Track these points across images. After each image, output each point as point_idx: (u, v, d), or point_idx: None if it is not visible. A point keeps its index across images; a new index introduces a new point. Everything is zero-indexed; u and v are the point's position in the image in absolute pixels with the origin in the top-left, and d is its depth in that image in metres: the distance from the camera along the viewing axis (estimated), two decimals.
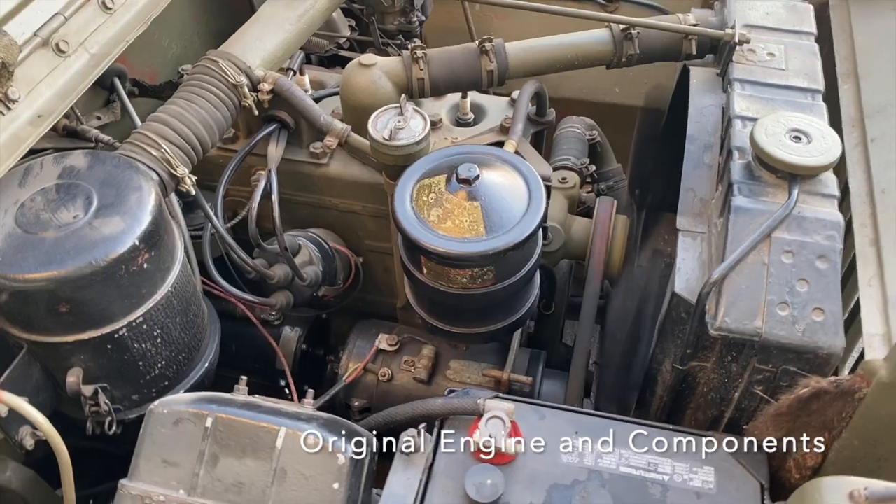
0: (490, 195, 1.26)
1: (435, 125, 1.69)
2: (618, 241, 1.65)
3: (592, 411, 1.30)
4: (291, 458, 1.15)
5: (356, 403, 1.62)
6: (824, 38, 1.60)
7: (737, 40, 1.43)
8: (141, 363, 1.30)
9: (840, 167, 1.31)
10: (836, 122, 1.41)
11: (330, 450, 1.15)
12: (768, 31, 1.52)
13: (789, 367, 1.16)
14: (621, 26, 1.53)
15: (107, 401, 1.30)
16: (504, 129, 1.62)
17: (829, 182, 1.23)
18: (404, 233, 1.25)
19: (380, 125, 1.40)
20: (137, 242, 1.19)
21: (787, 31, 1.52)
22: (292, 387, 1.64)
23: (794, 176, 1.21)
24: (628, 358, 1.71)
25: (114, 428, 1.32)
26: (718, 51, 1.54)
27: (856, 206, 1.27)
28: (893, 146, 1.32)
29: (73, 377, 1.25)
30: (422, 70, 1.51)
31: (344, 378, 1.60)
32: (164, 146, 1.33)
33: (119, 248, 1.17)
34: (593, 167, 1.87)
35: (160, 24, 1.69)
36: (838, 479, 0.89)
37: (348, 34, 2.05)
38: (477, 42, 1.52)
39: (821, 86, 1.41)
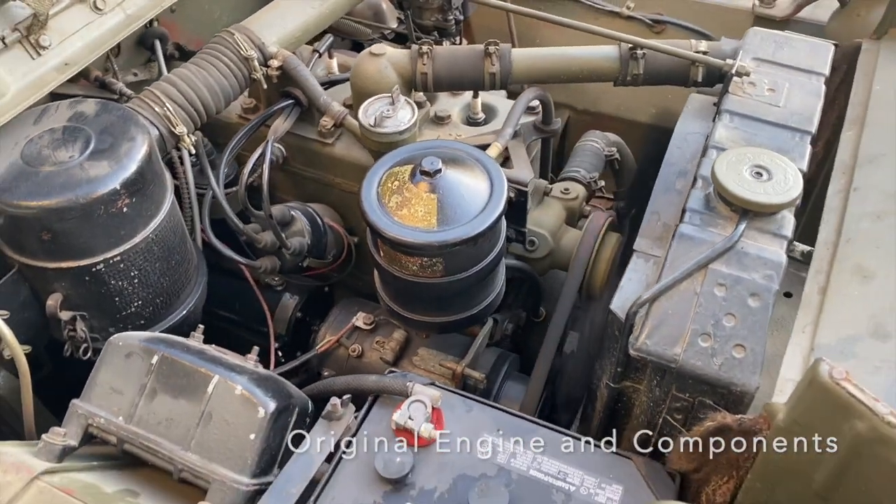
0: (448, 190, 1.31)
1: (443, 120, 1.74)
2: (603, 256, 1.65)
3: (523, 414, 1.32)
4: (219, 403, 1.23)
5: (325, 373, 1.70)
6: (849, 83, 1.56)
7: (734, 71, 1.41)
8: (117, 299, 1.42)
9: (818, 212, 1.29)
10: (832, 166, 1.38)
11: (253, 402, 1.22)
12: (778, 66, 1.50)
13: (705, 399, 1.15)
14: (629, 45, 1.54)
15: (84, 328, 1.42)
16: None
17: (785, 223, 1.21)
18: (363, 214, 1.31)
19: (370, 112, 1.47)
20: (118, 187, 1.30)
21: (797, 68, 1.49)
22: (271, 346, 1.74)
23: (745, 211, 1.20)
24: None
25: (89, 354, 1.44)
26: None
27: (818, 253, 1.25)
28: (872, 198, 1.28)
29: (52, 301, 1.38)
30: (425, 65, 1.57)
31: (317, 348, 1.68)
32: (167, 105, 1.44)
33: (100, 189, 1.29)
34: (602, 182, 1.87)
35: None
36: None
37: (395, 26, 2.13)
38: (483, 45, 1.57)
39: (811, 128, 1.38)
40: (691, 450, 1.16)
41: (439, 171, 1.31)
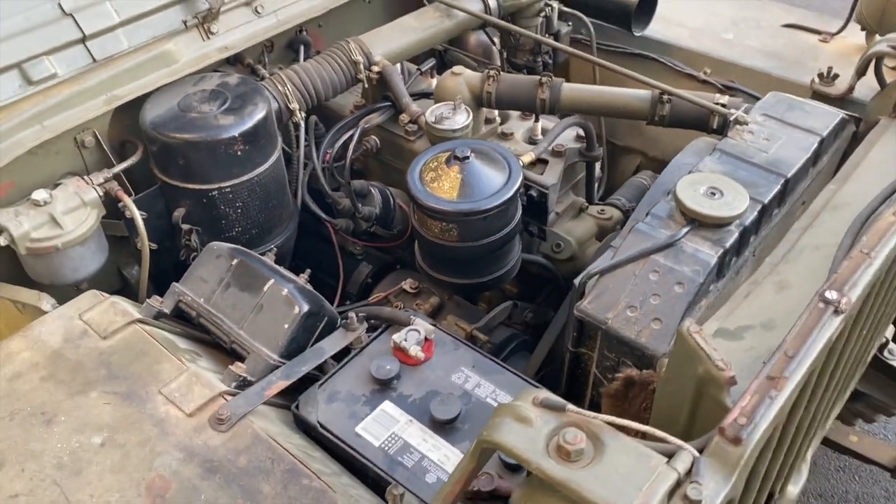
0: (472, 173, 1.67)
1: (507, 136, 2.10)
2: None
3: (498, 361, 1.63)
4: (269, 299, 1.64)
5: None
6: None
7: (733, 119, 1.68)
8: (223, 222, 1.89)
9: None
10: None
11: (292, 301, 1.62)
12: (781, 123, 1.74)
13: (626, 359, 1.42)
14: (659, 91, 1.84)
15: (196, 240, 1.90)
16: (553, 152, 1.99)
17: (726, 235, 1.46)
18: (406, 181, 1.70)
19: (434, 113, 1.86)
20: (237, 135, 1.77)
21: (797, 126, 1.72)
22: (339, 293, 2.15)
23: (692, 220, 1.46)
24: None
25: None
26: None
27: (761, 269, 1.48)
28: (821, 235, 1.50)
29: (177, 213, 1.87)
30: (490, 86, 1.94)
31: (369, 299, 2.07)
32: (287, 86, 1.91)
33: (223, 134, 1.76)
34: None
35: (354, 18, 2.30)
36: (530, 390, 1.16)
37: (498, 63, 2.52)
38: (539, 76, 1.92)
39: (787, 172, 1.60)
40: (612, 399, 1.42)
41: (468, 157, 1.67)
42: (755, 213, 1.51)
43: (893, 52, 1.89)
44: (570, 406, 1.08)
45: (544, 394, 1.11)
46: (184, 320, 1.72)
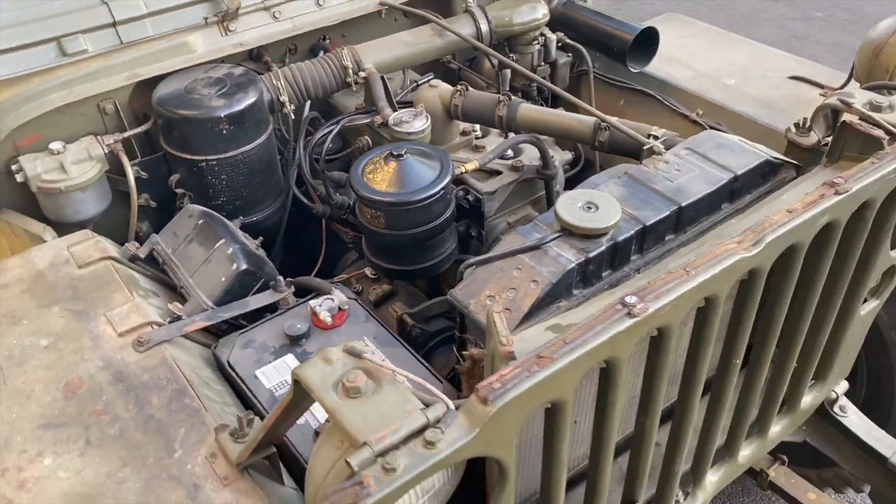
0: (403, 170, 1.88)
1: (478, 149, 2.28)
2: None
3: (399, 338, 1.82)
4: (217, 255, 1.91)
5: None
6: None
7: (646, 148, 1.79)
8: (210, 191, 2.18)
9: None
10: None
11: (233, 259, 1.88)
12: (701, 157, 1.83)
13: (480, 342, 1.57)
14: (599, 120, 1.98)
15: (188, 203, 2.20)
16: (511, 167, 2.15)
17: (593, 247, 1.59)
18: (349, 173, 1.93)
19: (396, 116, 2.09)
20: (223, 115, 2.07)
21: (714, 162, 1.81)
22: (315, 268, 2.39)
23: (563, 228, 1.60)
24: None
25: None
26: None
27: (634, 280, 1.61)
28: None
29: (173, 178, 2.19)
30: (457, 100, 2.15)
31: (333, 279, 2.30)
32: (281, 80, 2.20)
33: (211, 113, 2.06)
34: None
35: (379, 29, 2.56)
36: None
37: (507, 86, 2.71)
38: (500, 95, 2.10)
39: (682, 201, 1.70)
40: (465, 376, 1.58)
41: (401, 155, 1.88)
42: (631, 231, 1.63)
43: (841, 106, 1.93)
44: (368, 354, 1.27)
45: (360, 344, 1.31)
46: (154, 264, 2.02)
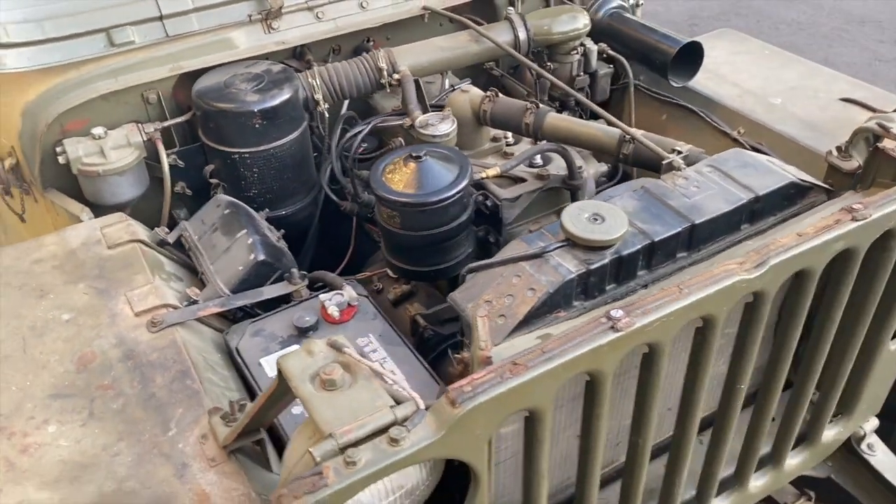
0: (422, 172, 1.89)
1: (507, 155, 2.28)
2: None
3: (403, 337, 1.84)
4: (237, 245, 1.97)
5: None
6: None
7: (665, 162, 1.76)
8: (242, 182, 2.25)
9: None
10: None
11: (252, 250, 1.93)
12: (724, 175, 1.78)
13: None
14: (623, 132, 1.95)
15: (221, 194, 2.28)
16: (537, 176, 2.15)
17: (595, 258, 1.57)
18: (370, 172, 1.96)
19: (423, 119, 2.11)
20: (256, 110, 2.13)
21: (736, 181, 1.76)
22: (343, 264, 2.43)
23: (567, 239, 1.59)
24: None
25: None
26: None
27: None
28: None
29: (207, 168, 2.26)
30: (486, 106, 2.15)
31: (357, 275, 2.33)
32: (317, 79, 2.25)
33: (245, 108, 2.12)
34: None
35: (421, 33, 2.59)
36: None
37: (545, 95, 2.70)
38: (528, 102, 2.10)
39: (696, 219, 1.66)
40: (455, 380, 1.58)
41: (420, 157, 1.90)
42: (638, 246, 1.60)
43: (879, 130, 1.86)
44: (349, 348, 1.30)
45: (343, 339, 1.33)
46: (182, 250, 2.09)
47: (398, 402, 1.23)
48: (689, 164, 1.84)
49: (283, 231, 2.07)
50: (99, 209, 2.17)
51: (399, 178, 1.90)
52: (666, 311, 1.32)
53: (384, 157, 1.98)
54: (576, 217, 1.60)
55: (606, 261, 1.58)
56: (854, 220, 1.51)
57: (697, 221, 1.68)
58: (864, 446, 2.18)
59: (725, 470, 1.87)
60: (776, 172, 1.81)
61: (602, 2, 2.67)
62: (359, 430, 1.17)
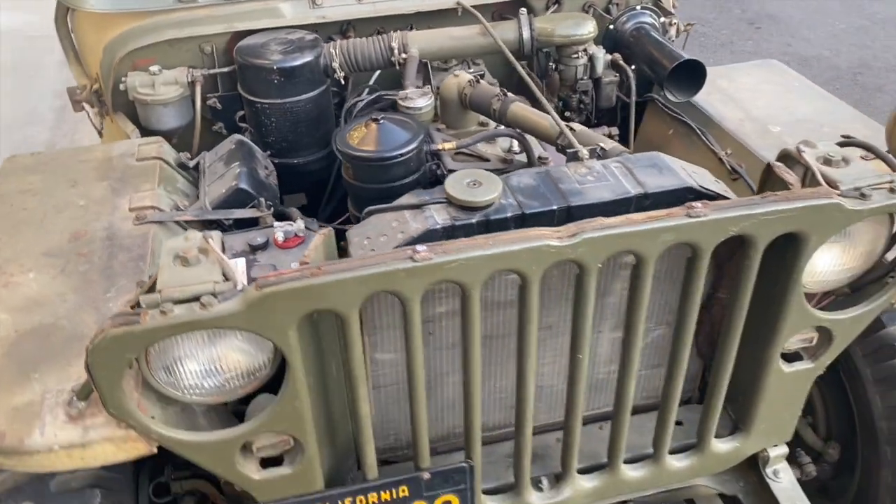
0: (378, 132, 2.19)
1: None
2: None
3: None
4: (228, 174, 2.36)
5: None
6: None
7: (571, 151, 1.94)
8: (263, 129, 2.65)
9: None
10: None
11: (236, 179, 2.31)
12: (626, 172, 1.92)
13: None
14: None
15: (248, 137, 2.69)
16: (501, 159, 2.37)
17: (464, 216, 1.79)
18: (338, 130, 2.28)
19: (405, 93, 2.40)
20: (275, 68, 2.51)
21: (635, 179, 1.90)
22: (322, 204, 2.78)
23: (446, 199, 1.83)
24: None
25: None
26: None
27: None
28: None
29: (238, 114, 2.69)
30: (467, 90, 2.40)
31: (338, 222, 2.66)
32: (336, 49, 2.60)
33: (268, 65, 2.52)
34: None
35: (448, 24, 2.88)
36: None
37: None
38: (499, 90, 2.33)
39: (573, 202, 1.83)
40: None
41: (378, 120, 2.20)
42: (507, 214, 1.80)
43: (794, 153, 1.91)
44: (213, 240, 1.63)
45: (214, 233, 1.67)
46: (197, 173, 2.53)
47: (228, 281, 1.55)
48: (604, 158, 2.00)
49: (272, 170, 2.45)
50: (148, 132, 2.65)
51: (357, 136, 2.21)
52: (467, 254, 1.54)
53: (356, 119, 2.30)
54: (458, 180, 1.84)
55: (473, 220, 1.80)
56: (689, 216, 1.63)
57: (574, 204, 1.85)
58: (768, 471, 2.20)
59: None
60: (678, 176, 1.92)
61: (632, 14, 2.82)
62: (181, 292, 1.50)
